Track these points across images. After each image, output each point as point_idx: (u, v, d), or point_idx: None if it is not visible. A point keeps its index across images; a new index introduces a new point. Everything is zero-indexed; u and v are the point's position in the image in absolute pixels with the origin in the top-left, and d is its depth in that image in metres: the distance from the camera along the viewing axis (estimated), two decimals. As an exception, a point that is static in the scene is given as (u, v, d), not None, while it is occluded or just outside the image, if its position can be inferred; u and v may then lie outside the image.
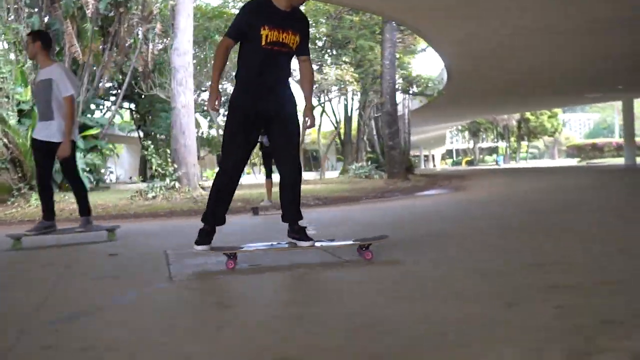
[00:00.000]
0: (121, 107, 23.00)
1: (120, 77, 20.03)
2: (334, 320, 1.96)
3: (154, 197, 11.50)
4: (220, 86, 3.26)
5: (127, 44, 18.88)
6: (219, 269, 3.10)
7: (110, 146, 18.81)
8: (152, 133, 23.69)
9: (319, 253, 3.41)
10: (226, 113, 3.33)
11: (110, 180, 26.99)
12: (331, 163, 41.34)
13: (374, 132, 24.28)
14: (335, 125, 25.30)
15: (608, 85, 21.60)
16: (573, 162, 37.35)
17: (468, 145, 66.65)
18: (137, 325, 2.03)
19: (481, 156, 62.20)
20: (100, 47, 18.46)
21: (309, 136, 25.74)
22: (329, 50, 21.47)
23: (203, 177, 23.02)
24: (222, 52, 3.15)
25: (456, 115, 33.25)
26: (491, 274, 2.62)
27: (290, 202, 3.28)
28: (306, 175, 23.82)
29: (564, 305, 1.93)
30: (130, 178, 31.92)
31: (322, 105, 23.26)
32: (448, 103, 23.85)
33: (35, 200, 9.62)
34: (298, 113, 3.42)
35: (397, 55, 16.97)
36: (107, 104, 22.05)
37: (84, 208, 4.81)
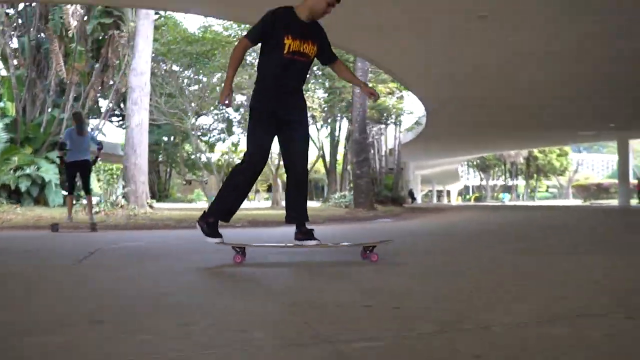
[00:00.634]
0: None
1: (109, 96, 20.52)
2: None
3: (96, 212, 11.62)
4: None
5: (114, 65, 19.40)
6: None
7: (100, 163, 19.20)
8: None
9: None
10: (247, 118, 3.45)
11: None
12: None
13: (364, 162, 24.22)
14: (319, 151, 25.28)
15: (600, 123, 21.22)
16: (579, 202, 36.50)
17: (481, 182, 65.94)
18: None
19: (494, 193, 61.31)
20: (88, 66, 18.97)
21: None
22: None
23: (205, 199, 23.16)
24: (239, 52, 3.33)
25: (450, 150, 32.98)
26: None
27: (298, 203, 3.41)
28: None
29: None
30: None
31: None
32: (434, 138, 23.75)
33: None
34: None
35: (370, 84, 17.02)
36: (96, 122, 22.53)
37: None
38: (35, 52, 18.83)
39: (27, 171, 16.40)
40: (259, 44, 3.37)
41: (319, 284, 2.55)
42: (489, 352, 1.38)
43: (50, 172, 16.90)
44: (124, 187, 12.02)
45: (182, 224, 9.33)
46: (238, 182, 3.31)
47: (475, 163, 53.79)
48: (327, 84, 18.79)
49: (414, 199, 39.48)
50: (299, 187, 3.41)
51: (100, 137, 21.90)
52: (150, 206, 12.58)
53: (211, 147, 33.21)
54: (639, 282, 2.55)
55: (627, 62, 11.68)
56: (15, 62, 19.27)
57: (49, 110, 18.35)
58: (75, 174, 7.65)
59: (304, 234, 3.37)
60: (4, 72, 18.65)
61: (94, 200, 14.05)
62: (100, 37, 18.71)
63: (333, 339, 1.48)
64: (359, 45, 10.41)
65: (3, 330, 1.60)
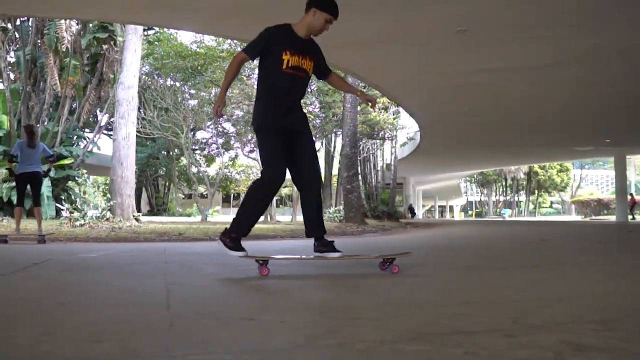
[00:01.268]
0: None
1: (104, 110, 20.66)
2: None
3: (81, 225, 11.62)
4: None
5: (109, 79, 19.55)
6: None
7: (83, 176, 19.31)
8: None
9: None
10: (256, 138, 3.57)
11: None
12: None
13: (359, 177, 24.19)
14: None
15: (596, 139, 21.14)
16: (579, 218, 36.22)
17: (484, 197, 65.65)
18: None
19: (497, 209, 60.98)
20: (84, 80, 19.12)
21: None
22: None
23: (208, 213, 23.17)
24: (236, 65, 3.36)
25: (448, 165, 32.88)
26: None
27: (316, 215, 3.41)
28: (278, 217, 23.82)
29: None
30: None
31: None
32: (430, 153, 23.70)
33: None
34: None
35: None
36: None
37: None
38: (32, 66, 19.05)
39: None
40: (255, 61, 3.45)
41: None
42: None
43: (43, 185, 17.00)
44: (110, 200, 12.01)
45: (163, 237, 9.36)
46: (254, 200, 3.32)
47: (475, 179, 53.54)
48: (320, 99, 18.83)
49: (413, 214, 39.33)
50: (316, 200, 3.43)
51: (94, 150, 22.13)
52: (137, 219, 12.55)
53: (210, 160, 33.30)
54: (541, 300, 2.48)
55: (619, 78, 11.65)
56: (12, 76, 19.52)
57: (45, 123, 18.52)
58: (25, 186, 7.67)
59: (324, 246, 3.37)
60: (0, 86, 18.85)
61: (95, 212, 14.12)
62: (96, 52, 18.91)
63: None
64: (342, 59, 10.42)
65: None
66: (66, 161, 18.21)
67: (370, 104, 3.58)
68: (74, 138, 19.91)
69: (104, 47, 18.33)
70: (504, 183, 53.88)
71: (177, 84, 20.24)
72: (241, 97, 16.41)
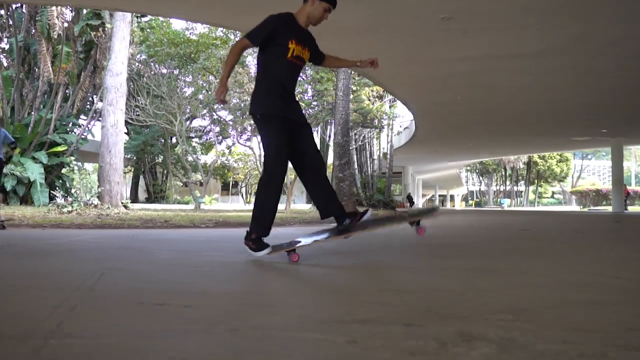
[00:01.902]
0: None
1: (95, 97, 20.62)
2: None
3: (69, 212, 11.65)
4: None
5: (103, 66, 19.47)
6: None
7: (75, 163, 19.35)
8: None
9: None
10: (259, 127, 3.40)
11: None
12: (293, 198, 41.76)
13: (356, 165, 24.14)
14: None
15: (592, 128, 21.03)
16: (577, 208, 36.12)
17: (486, 187, 65.55)
18: None
19: (497, 199, 60.92)
20: (77, 67, 19.04)
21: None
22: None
23: (202, 201, 23.21)
24: (238, 51, 3.34)
25: (445, 154, 32.72)
26: None
27: (330, 195, 3.39)
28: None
29: None
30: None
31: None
32: (426, 142, 23.61)
33: None
34: None
35: (354, 88, 16.94)
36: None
37: None
38: (25, 53, 18.98)
39: (13, 171, 16.52)
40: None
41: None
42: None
43: (35, 172, 17.02)
44: (98, 187, 12.02)
45: (148, 224, 9.38)
46: (264, 195, 3.29)
47: (475, 168, 53.39)
48: (312, 86, 18.71)
49: (412, 203, 39.33)
50: (326, 182, 3.41)
51: (90, 137, 22.12)
52: (125, 206, 12.57)
53: (208, 148, 33.29)
54: (471, 289, 2.45)
55: (612, 68, 11.55)
56: (5, 62, 19.48)
57: (38, 110, 18.48)
58: None
59: (348, 216, 3.35)
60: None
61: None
62: (91, 39, 18.80)
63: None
64: (327, 47, 10.32)
65: None
66: (60, 148, 18.21)
67: (372, 65, 3.63)
68: (69, 125, 19.90)
69: (93, 34, 18.23)
70: (503, 173, 53.69)
71: (173, 72, 20.12)
72: (231, 84, 16.31)
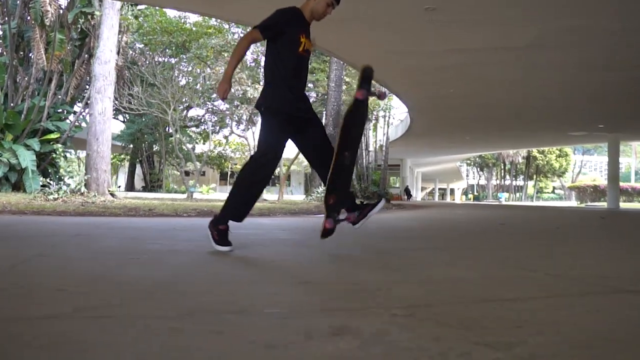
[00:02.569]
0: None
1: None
2: None
3: (55, 199, 11.66)
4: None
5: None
6: None
7: (62, 150, 19.35)
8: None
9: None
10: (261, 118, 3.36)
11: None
12: (290, 189, 41.82)
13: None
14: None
15: (588, 124, 20.90)
16: (575, 203, 36.00)
17: (486, 181, 65.40)
18: None
19: (496, 193, 60.80)
20: (71, 55, 18.98)
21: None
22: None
23: (199, 191, 23.22)
24: (246, 44, 3.24)
25: (442, 147, 32.54)
26: None
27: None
28: (266, 195, 23.76)
29: None
30: (119, 187, 32.57)
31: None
32: (422, 134, 23.51)
33: None
34: None
35: (347, 79, 16.85)
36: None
37: None
38: (20, 40, 18.93)
39: (4, 157, 16.54)
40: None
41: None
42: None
43: (27, 159, 17.04)
44: (85, 175, 12.02)
45: (130, 213, 9.38)
46: (250, 183, 3.24)
47: (475, 162, 53.22)
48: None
49: (409, 195, 39.29)
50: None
51: (83, 125, 22.08)
52: (112, 194, 12.58)
53: (205, 138, 33.23)
54: (390, 282, 2.44)
55: (606, 63, 11.42)
56: (-2, 49, 19.42)
57: (32, 97, 18.45)
58: None
59: (361, 209, 3.37)
60: (-13, 59, 18.76)
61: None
62: (87, 27, 18.73)
63: None
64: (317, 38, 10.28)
65: None
66: (52, 136, 18.21)
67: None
68: (64, 113, 19.88)
69: (81, 22, 18.12)
70: (502, 167, 53.54)
71: (168, 60, 20.05)
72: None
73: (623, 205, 30.15)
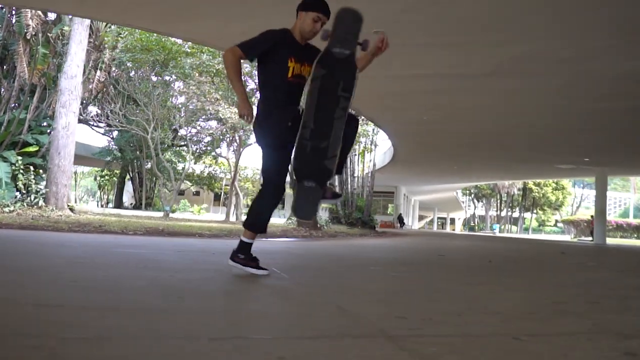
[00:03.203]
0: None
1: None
2: None
3: (10, 211, 11.55)
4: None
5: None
6: None
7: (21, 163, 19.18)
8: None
9: None
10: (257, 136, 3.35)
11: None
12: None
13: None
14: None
15: (575, 156, 20.64)
16: (569, 237, 35.42)
17: (484, 212, 64.84)
18: None
19: (492, 224, 60.14)
20: (54, 69, 19.08)
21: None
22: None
23: (190, 210, 23.05)
24: (235, 63, 3.11)
25: (433, 176, 32.33)
26: None
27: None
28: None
29: None
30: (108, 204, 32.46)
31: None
32: (408, 162, 23.34)
33: None
34: None
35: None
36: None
37: None
38: (5, 53, 19.08)
39: (-24, 168, 16.51)
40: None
41: None
42: None
43: (2, 171, 16.99)
44: (45, 188, 11.92)
45: (76, 228, 9.26)
46: (259, 208, 3.26)
47: (471, 192, 52.84)
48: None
49: (402, 223, 38.89)
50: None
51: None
52: (71, 209, 12.43)
53: (198, 157, 33.22)
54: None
55: (569, 93, 11.25)
56: (-17, 61, 19.55)
57: (12, 110, 18.50)
58: None
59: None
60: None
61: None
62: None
63: None
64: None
65: None
66: (31, 149, 18.19)
67: (381, 46, 3.46)
68: (46, 126, 19.90)
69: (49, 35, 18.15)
70: (498, 198, 53.11)
71: (150, 77, 20.07)
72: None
73: (615, 241, 29.71)
